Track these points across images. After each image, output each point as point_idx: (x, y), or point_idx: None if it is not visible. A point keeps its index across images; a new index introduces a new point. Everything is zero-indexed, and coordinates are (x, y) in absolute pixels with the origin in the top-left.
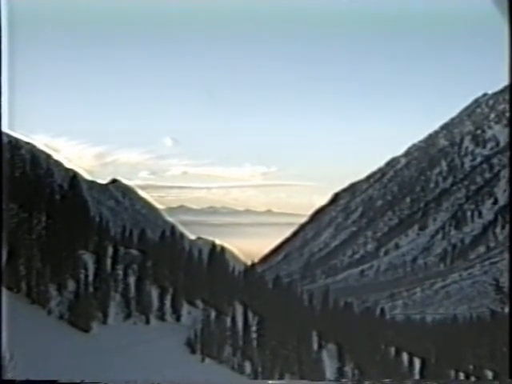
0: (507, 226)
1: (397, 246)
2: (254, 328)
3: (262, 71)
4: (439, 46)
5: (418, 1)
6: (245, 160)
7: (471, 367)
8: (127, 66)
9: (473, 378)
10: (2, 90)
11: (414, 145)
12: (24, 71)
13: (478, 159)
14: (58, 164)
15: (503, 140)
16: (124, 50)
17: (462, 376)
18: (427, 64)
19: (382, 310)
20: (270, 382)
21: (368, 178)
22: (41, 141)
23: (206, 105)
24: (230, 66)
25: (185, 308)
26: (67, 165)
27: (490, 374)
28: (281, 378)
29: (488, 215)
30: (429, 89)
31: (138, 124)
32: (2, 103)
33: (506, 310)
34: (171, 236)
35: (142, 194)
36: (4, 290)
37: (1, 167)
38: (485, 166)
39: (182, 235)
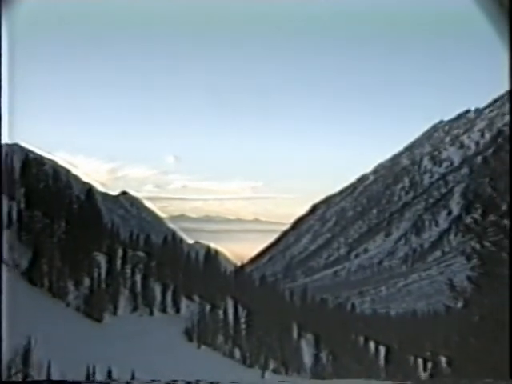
0: (459, 234)
1: (365, 250)
2: (242, 320)
3: (249, 96)
4: (397, 81)
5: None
6: (236, 176)
7: (428, 354)
8: (139, 92)
9: (429, 363)
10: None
11: (381, 164)
12: (38, 91)
13: (435, 176)
14: (76, 178)
15: (457, 160)
16: (134, 73)
17: (420, 361)
18: (392, 94)
19: (353, 305)
20: (280, 381)
21: (341, 191)
22: (61, 157)
23: (204, 127)
24: (221, 87)
25: (183, 302)
26: (84, 179)
27: (443, 360)
28: (266, 362)
29: (443, 224)
30: (393, 115)
31: (145, 143)
32: (3, 116)
33: (459, 305)
34: (172, 240)
35: (148, 204)
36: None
37: (0, 170)
38: (441, 182)
39: (181, 240)
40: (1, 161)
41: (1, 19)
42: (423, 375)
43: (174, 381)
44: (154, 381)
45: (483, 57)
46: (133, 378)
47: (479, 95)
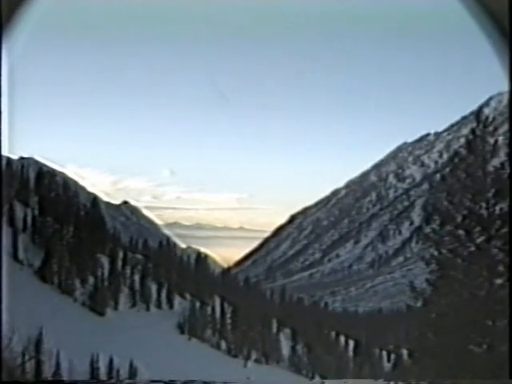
0: (420, 242)
1: (337, 256)
2: (228, 315)
3: (235, 110)
4: (370, 105)
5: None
6: (224, 188)
7: (392, 347)
8: (139, 108)
9: (393, 355)
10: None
11: (352, 180)
12: (44, 107)
13: (399, 191)
14: (83, 188)
15: (418, 177)
16: (135, 90)
17: (384, 353)
18: (362, 116)
19: (326, 304)
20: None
21: (317, 203)
22: (71, 170)
23: (197, 143)
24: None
25: (176, 299)
26: (90, 189)
27: (405, 353)
28: (248, 353)
29: (406, 233)
30: (364, 136)
31: (144, 158)
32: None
33: (419, 304)
34: (167, 245)
35: (146, 212)
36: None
37: (1, 178)
38: (404, 196)
39: (175, 245)
40: (1, 170)
41: (2, 28)
42: (387, 366)
43: (173, 381)
44: (154, 381)
45: (438, 86)
46: (131, 365)
47: (438, 120)
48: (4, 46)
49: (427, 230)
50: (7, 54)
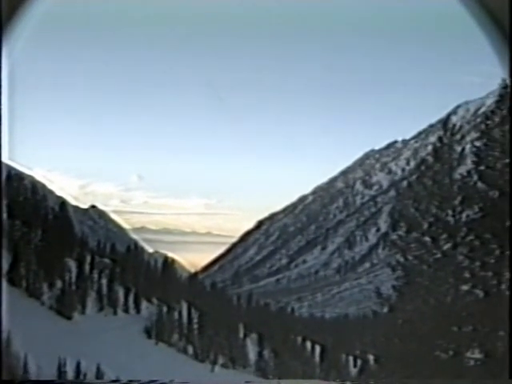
0: (386, 248)
1: (304, 261)
2: (195, 320)
3: (204, 116)
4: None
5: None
6: (192, 193)
7: (358, 352)
8: (107, 112)
9: (359, 361)
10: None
11: (319, 186)
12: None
13: (366, 198)
14: (52, 192)
15: (385, 184)
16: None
17: (351, 358)
18: (330, 123)
19: (292, 309)
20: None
21: (284, 209)
22: (39, 173)
23: (165, 148)
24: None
25: (144, 304)
26: (58, 193)
27: (371, 358)
28: (215, 358)
29: (372, 240)
30: (331, 142)
31: (112, 163)
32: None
33: (385, 310)
34: (135, 249)
35: (114, 216)
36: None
37: (0, 187)
38: (371, 203)
39: (142, 249)
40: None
41: (2, 35)
42: (353, 371)
43: (131, 381)
44: (114, 381)
45: (406, 94)
46: (98, 369)
47: (406, 127)
48: (4, 46)
49: (394, 236)
50: (7, 54)
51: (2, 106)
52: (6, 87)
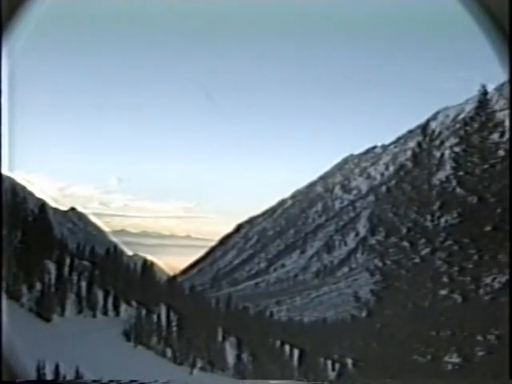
0: (365, 253)
1: (283, 265)
2: (174, 323)
3: (182, 119)
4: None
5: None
6: (171, 197)
7: (336, 356)
8: (87, 114)
9: (337, 365)
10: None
11: (298, 190)
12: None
13: (345, 202)
14: (31, 194)
15: (364, 189)
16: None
17: (329, 362)
18: (309, 127)
19: (271, 313)
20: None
21: (263, 213)
22: (19, 175)
23: (144, 151)
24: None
25: (123, 306)
26: (38, 195)
27: (349, 362)
28: (194, 361)
29: (351, 244)
30: (311, 146)
31: (92, 165)
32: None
33: (363, 314)
34: (114, 252)
35: (93, 219)
36: None
37: (1, 195)
38: (350, 207)
39: (122, 252)
40: (1, 187)
41: (2, 35)
42: (331, 375)
43: (112, 381)
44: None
45: (386, 99)
46: (77, 372)
47: (385, 132)
48: (4, 46)
49: (372, 241)
50: (7, 54)
51: (2, 106)
52: (5, 87)
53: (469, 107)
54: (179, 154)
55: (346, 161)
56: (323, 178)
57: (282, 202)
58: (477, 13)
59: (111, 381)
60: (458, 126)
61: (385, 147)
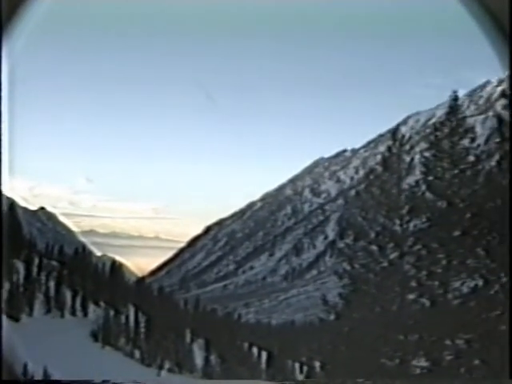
0: (333, 256)
1: (251, 268)
2: (142, 324)
3: (151, 120)
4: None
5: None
6: (140, 197)
7: (304, 359)
8: (57, 113)
9: (305, 367)
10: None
11: (268, 192)
12: None
13: (314, 206)
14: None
15: (333, 192)
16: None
17: (297, 365)
18: (280, 129)
19: (239, 315)
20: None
21: (232, 215)
22: None
23: (114, 151)
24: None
25: (91, 307)
26: (8, 194)
27: (317, 365)
28: (162, 362)
29: (320, 247)
30: (281, 149)
31: (61, 166)
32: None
33: (331, 317)
34: (83, 252)
35: (62, 219)
36: None
37: (1, 204)
38: (319, 211)
39: (90, 252)
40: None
41: (2, 35)
42: (299, 377)
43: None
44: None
45: (356, 102)
46: (45, 372)
47: (355, 136)
48: (4, 46)
49: (341, 244)
50: (7, 54)
51: (2, 106)
52: (5, 87)
53: (440, 112)
54: (149, 155)
55: (316, 164)
56: (293, 181)
57: (252, 205)
58: (477, 13)
59: (105, 381)
60: (428, 131)
61: (355, 151)
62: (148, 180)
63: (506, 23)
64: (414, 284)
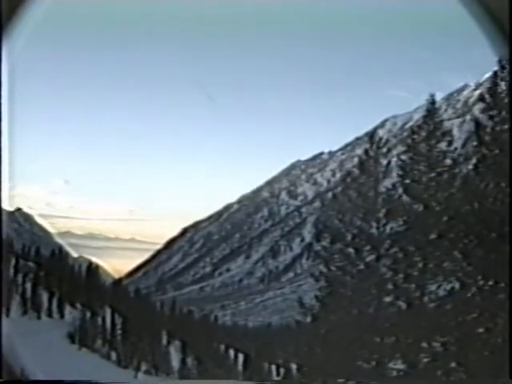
0: (310, 259)
1: (228, 270)
2: (119, 326)
3: (128, 122)
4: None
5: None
6: (117, 199)
7: (281, 361)
8: (35, 113)
9: (282, 369)
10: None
11: (244, 195)
12: None
13: (291, 208)
14: None
15: (310, 195)
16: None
17: (273, 367)
18: (257, 131)
19: (216, 317)
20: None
21: (209, 217)
22: None
23: (91, 153)
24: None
25: (67, 309)
26: None
27: (294, 367)
28: (138, 364)
29: (297, 250)
30: (258, 151)
31: (38, 165)
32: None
33: (308, 320)
34: (59, 254)
35: (39, 220)
36: None
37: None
38: (296, 213)
39: (67, 254)
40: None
41: (2, 35)
42: (276, 379)
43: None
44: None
45: (333, 104)
46: (22, 373)
47: (332, 139)
48: (4, 46)
49: (318, 247)
50: (7, 54)
51: (2, 106)
52: (5, 87)
53: (417, 116)
54: (125, 157)
55: (292, 166)
56: (270, 183)
57: (228, 207)
58: (476, 12)
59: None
60: (405, 134)
61: (332, 154)
62: (125, 181)
63: (505, 23)
64: (390, 287)
